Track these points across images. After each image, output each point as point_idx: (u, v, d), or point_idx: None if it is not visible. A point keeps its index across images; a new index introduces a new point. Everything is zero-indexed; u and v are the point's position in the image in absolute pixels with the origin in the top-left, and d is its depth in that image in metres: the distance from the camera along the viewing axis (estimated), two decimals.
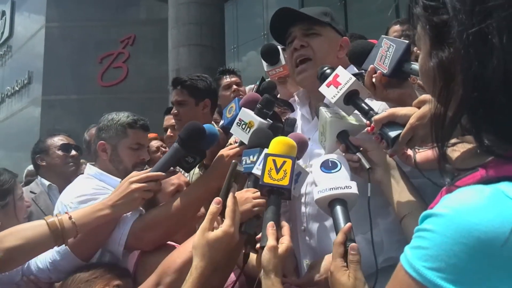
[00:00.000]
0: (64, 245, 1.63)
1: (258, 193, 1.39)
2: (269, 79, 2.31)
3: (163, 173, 1.67)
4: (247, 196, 1.41)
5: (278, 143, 1.37)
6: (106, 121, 2.19)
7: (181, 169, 1.87)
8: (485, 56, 0.68)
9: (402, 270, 0.69)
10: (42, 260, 1.77)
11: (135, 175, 1.69)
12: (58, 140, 3.28)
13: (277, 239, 1.19)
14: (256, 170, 1.43)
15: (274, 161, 1.30)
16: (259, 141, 1.52)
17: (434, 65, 0.77)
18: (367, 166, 1.28)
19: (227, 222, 1.24)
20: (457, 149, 0.90)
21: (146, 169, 2.22)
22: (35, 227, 1.55)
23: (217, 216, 1.26)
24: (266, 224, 1.22)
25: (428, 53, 0.79)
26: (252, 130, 1.59)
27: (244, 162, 1.52)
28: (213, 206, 1.25)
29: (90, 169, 2.19)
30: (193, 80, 2.80)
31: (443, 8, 0.74)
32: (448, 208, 0.66)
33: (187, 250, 1.49)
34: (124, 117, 2.18)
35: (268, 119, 1.64)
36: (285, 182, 1.27)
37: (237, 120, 1.65)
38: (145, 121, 2.23)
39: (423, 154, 1.25)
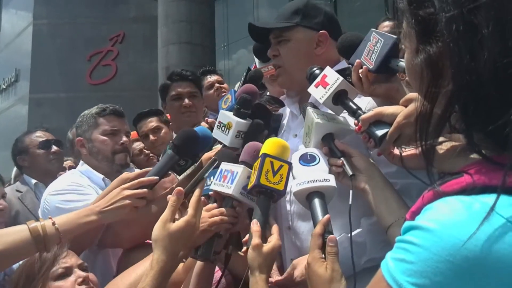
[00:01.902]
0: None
1: (216, 211, 1.35)
2: (258, 64, 2.32)
3: (156, 177, 1.60)
4: (202, 216, 1.32)
5: (274, 144, 1.35)
6: (79, 118, 2.23)
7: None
8: (475, 48, 0.66)
9: (383, 281, 0.68)
10: None
11: (126, 177, 1.62)
12: (36, 138, 3.19)
13: (266, 239, 1.18)
14: (214, 186, 1.39)
15: (271, 163, 1.28)
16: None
17: (421, 60, 0.75)
18: (350, 172, 1.27)
19: (190, 212, 1.20)
20: (443, 148, 0.89)
21: (133, 169, 2.19)
22: (16, 233, 1.49)
23: (178, 207, 1.22)
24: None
25: (415, 49, 0.77)
26: (230, 131, 1.55)
27: (207, 183, 1.47)
28: (174, 197, 1.21)
29: (81, 166, 2.22)
30: (196, 75, 2.86)
31: (429, 1, 0.73)
32: (435, 222, 0.64)
33: (132, 275, 1.47)
34: (93, 109, 2.21)
35: (248, 118, 1.60)
36: (281, 186, 1.27)
37: (217, 123, 1.63)
38: (115, 107, 2.21)
39: (410, 153, 1.23)
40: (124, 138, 2.20)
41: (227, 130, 1.58)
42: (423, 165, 0.77)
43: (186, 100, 2.69)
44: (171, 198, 1.22)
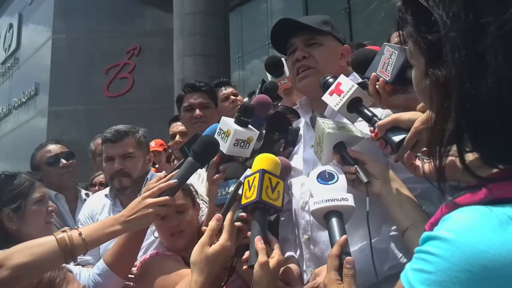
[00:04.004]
0: (105, 266, 1.70)
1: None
2: (270, 80, 2.33)
3: (175, 180, 1.59)
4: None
5: (268, 160, 1.36)
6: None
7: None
8: (478, 76, 0.65)
9: None
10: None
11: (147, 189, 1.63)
12: (45, 153, 3.15)
13: (267, 254, 1.19)
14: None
15: (270, 179, 1.30)
16: (235, 174, 1.52)
17: (430, 84, 0.74)
18: (365, 179, 1.27)
19: (224, 236, 1.26)
20: (467, 158, 0.89)
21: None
22: (44, 243, 1.52)
23: (216, 232, 1.27)
24: (253, 241, 1.21)
25: (423, 72, 0.77)
26: (228, 139, 1.55)
27: (219, 194, 1.51)
28: (214, 223, 1.27)
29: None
30: (210, 86, 2.92)
31: (436, 26, 0.71)
32: (452, 232, 0.65)
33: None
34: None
35: (250, 126, 1.60)
36: (279, 203, 1.30)
37: (218, 130, 1.63)
38: (110, 133, 2.37)
39: (432, 164, 1.23)
40: (116, 165, 2.35)
41: (226, 138, 1.57)
42: (447, 176, 0.77)
43: (197, 111, 2.74)
44: (210, 223, 1.27)
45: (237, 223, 1.38)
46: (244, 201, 1.30)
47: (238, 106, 3.43)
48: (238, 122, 1.58)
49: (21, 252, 1.48)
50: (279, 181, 1.31)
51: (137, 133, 2.45)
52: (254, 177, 1.30)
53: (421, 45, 0.75)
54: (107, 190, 2.58)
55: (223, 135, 1.59)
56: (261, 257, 1.16)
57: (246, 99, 3.45)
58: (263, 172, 1.29)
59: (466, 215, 0.66)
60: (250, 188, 1.29)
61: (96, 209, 2.48)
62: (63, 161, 3.15)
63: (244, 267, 1.22)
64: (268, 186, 1.28)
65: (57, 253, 1.49)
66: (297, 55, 1.68)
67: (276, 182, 1.30)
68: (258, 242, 1.19)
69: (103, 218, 2.31)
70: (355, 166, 1.31)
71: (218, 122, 2.72)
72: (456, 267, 0.62)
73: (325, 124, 1.40)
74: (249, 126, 1.60)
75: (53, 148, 3.18)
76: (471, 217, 0.65)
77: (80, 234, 1.53)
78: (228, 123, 1.59)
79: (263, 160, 1.36)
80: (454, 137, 0.71)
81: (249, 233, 1.27)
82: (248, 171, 1.46)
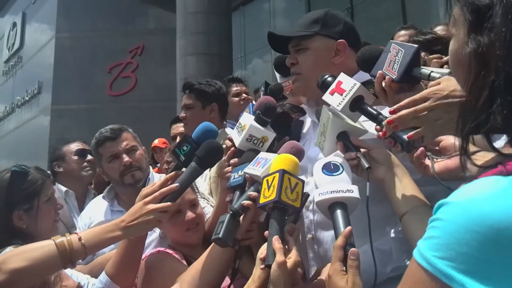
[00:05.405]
0: (108, 279, 1.68)
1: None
2: (275, 82, 2.33)
3: (177, 184, 1.56)
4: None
5: (288, 160, 1.36)
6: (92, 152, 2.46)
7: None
8: None
9: (414, 263, 0.68)
10: None
11: (144, 193, 1.59)
12: (74, 146, 3.33)
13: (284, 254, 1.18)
14: (247, 169, 1.44)
15: (289, 180, 1.29)
16: (247, 159, 1.53)
17: (471, 50, 0.74)
18: (366, 165, 1.27)
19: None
20: (477, 158, 0.88)
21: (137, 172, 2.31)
22: (42, 247, 1.49)
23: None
24: (271, 241, 1.21)
25: (464, 39, 0.76)
26: (243, 133, 1.58)
27: (232, 178, 1.51)
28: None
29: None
30: (201, 85, 2.86)
31: None
32: (460, 197, 0.65)
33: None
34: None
35: (269, 126, 1.61)
36: (298, 204, 1.28)
37: (237, 124, 1.66)
38: (107, 132, 2.33)
39: (442, 163, 1.22)
40: (125, 159, 2.29)
41: (241, 132, 1.59)
42: (455, 176, 0.77)
43: (182, 113, 2.83)
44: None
45: (246, 202, 1.39)
46: (262, 200, 1.29)
47: (248, 104, 3.48)
48: (258, 120, 1.60)
49: (18, 256, 1.45)
50: (298, 182, 1.31)
51: (128, 129, 2.44)
52: (274, 177, 1.29)
53: (468, 9, 0.75)
54: (104, 193, 2.54)
55: (239, 129, 1.62)
56: (279, 257, 1.15)
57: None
58: (283, 172, 1.29)
59: (476, 183, 0.66)
60: (269, 187, 1.29)
61: (93, 214, 2.44)
62: (89, 156, 3.27)
63: (261, 266, 1.21)
64: (287, 186, 1.27)
65: (56, 257, 1.46)
66: (286, 62, 1.73)
67: (295, 183, 1.30)
68: (276, 242, 1.19)
69: (100, 221, 2.30)
70: (356, 152, 1.31)
71: (203, 121, 2.73)
72: (463, 228, 0.62)
73: (330, 112, 1.40)
74: (268, 126, 1.61)
75: (82, 144, 3.37)
76: (481, 184, 0.65)
77: (79, 239, 1.50)
78: (247, 118, 1.61)
79: (283, 160, 1.35)
80: (486, 107, 0.70)
81: (266, 232, 1.26)
82: (261, 154, 1.48)
